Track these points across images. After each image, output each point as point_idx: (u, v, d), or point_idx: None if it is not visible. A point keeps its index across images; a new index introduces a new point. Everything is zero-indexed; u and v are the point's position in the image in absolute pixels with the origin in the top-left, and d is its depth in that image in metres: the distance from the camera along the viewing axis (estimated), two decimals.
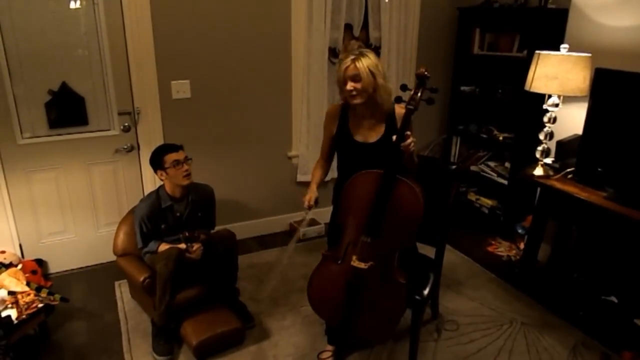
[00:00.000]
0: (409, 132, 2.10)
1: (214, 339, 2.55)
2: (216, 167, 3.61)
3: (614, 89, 2.69)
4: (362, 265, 2.15)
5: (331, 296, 2.25)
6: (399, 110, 2.31)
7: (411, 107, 2.10)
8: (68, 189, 3.25)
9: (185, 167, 2.68)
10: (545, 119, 3.03)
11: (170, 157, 2.65)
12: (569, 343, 2.72)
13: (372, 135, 2.31)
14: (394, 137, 2.10)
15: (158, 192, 2.76)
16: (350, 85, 2.17)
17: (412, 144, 2.11)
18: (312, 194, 2.35)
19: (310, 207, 2.33)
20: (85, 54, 3.08)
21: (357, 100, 2.20)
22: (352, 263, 2.16)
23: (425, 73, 2.12)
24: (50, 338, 2.70)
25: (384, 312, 2.21)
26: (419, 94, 2.11)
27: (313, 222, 3.96)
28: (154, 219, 2.70)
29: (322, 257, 2.35)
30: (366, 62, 2.14)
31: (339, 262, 2.23)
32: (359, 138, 2.32)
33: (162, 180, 2.74)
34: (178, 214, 2.76)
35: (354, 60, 2.14)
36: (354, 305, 2.21)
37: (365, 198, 2.14)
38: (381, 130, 2.30)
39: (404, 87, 2.21)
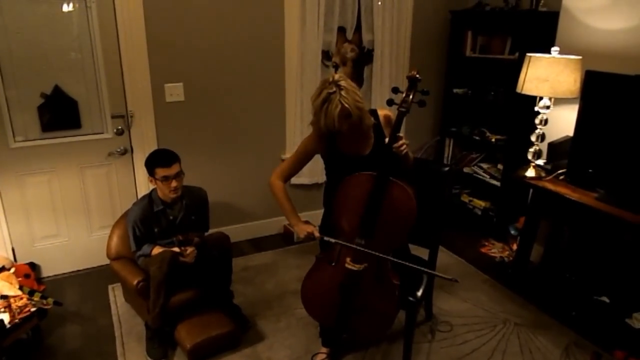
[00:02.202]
0: (400, 134, 2.10)
1: (208, 341, 2.55)
2: (210, 170, 3.61)
3: (604, 91, 2.72)
4: (357, 267, 2.15)
5: (325, 298, 2.26)
6: (384, 113, 2.32)
7: (403, 109, 2.11)
8: (61, 192, 3.24)
9: (174, 184, 2.64)
10: (537, 121, 3.06)
11: (161, 172, 2.62)
12: (562, 343, 2.74)
13: (363, 148, 2.31)
14: (387, 140, 2.11)
15: (151, 196, 2.75)
16: (345, 126, 2.12)
17: (405, 146, 2.12)
18: (309, 227, 2.27)
19: (317, 238, 2.25)
20: (78, 57, 3.07)
21: (356, 133, 2.20)
22: (346, 265, 2.16)
23: (417, 76, 2.13)
24: (43, 342, 2.69)
25: (378, 312, 2.21)
26: (411, 97, 2.13)
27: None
28: (146, 222, 2.70)
29: (316, 260, 2.35)
30: (350, 96, 2.06)
31: (333, 264, 2.23)
32: (350, 153, 2.32)
33: (152, 185, 2.74)
34: (171, 217, 2.75)
35: (340, 100, 2.04)
36: (349, 306, 2.22)
37: (358, 200, 2.15)
38: (371, 140, 2.31)
39: (395, 90, 2.21)
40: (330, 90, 2.07)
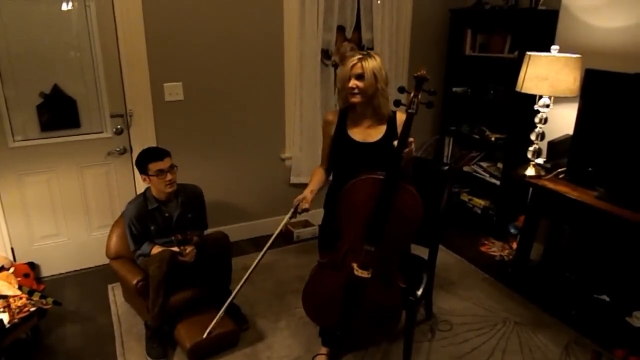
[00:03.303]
0: (411, 139, 2.06)
1: (208, 341, 2.54)
2: (209, 169, 3.61)
3: (604, 89, 2.72)
4: (366, 274, 2.11)
5: (329, 304, 2.23)
6: (401, 116, 2.24)
7: (412, 111, 2.05)
8: (60, 191, 3.23)
9: (169, 176, 2.66)
10: (537, 120, 3.06)
11: (155, 166, 2.63)
12: (562, 341, 2.74)
13: (371, 135, 2.29)
14: (396, 143, 2.05)
15: (145, 194, 2.75)
16: (352, 83, 2.18)
17: (413, 150, 2.11)
18: (305, 200, 2.31)
19: (299, 212, 2.33)
20: (77, 56, 3.06)
21: (357, 99, 2.21)
22: (355, 272, 2.12)
23: (425, 75, 2.08)
24: (42, 342, 2.69)
25: (383, 315, 2.20)
26: (419, 97, 2.07)
27: (307, 224, 3.97)
28: (142, 220, 2.69)
29: (319, 265, 2.30)
30: (372, 64, 2.16)
31: (338, 269, 2.19)
32: (357, 137, 2.30)
33: (145, 183, 2.73)
34: (167, 215, 2.75)
35: (360, 60, 2.16)
36: (353, 311, 2.20)
37: (365, 205, 2.09)
38: (381, 131, 2.28)
39: (401, 90, 2.15)
40: (362, 52, 2.21)
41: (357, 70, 2.16)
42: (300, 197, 2.32)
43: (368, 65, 2.15)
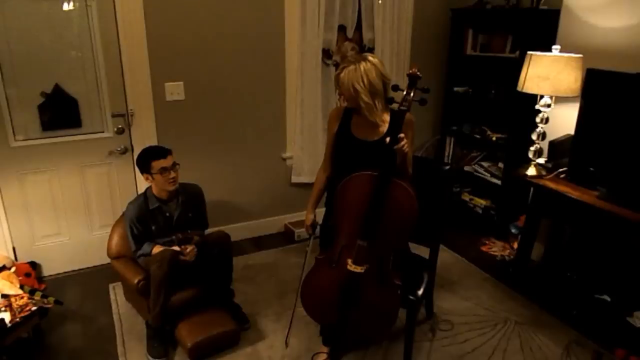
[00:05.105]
0: (402, 135, 2.07)
1: (209, 340, 2.55)
2: (210, 169, 3.61)
3: (605, 89, 2.71)
4: (359, 269, 2.12)
5: (326, 300, 2.24)
6: (409, 117, 2.23)
7: (404, 108, 2.09)
8: (62, 191, 3.24)
9: (172, 174, 2.66)
10: (538, 119, 3.06)
11: (158, 164, 2.63)
12: (563, 341, 2.74)
13: (372, 134, 2.29)
14: (387, 139, 2.08)
15: (145, 194, 2.75)
16: (338, 90, 2.25)
17: (405, 146, 2.09)
18: (307, 221, 2.53)
19: (310, 235, 2.54)
20: (79, 56, 3.07)
21: (346, 103, 2.29)
22: (348, 267, 2.14)
23: (417, 73, 2.11)
24: (44, 341, 2.69)
25: (380, 313, 2.20)
26: (411, 95, 2.11)
27: None
28: (143, 220, 2.70)
29: (316, 261, 2.33)
30: (350, 76, 2.13)
31: (333, 265, 2.21)
32: (359, 135, 2.30)
33: (148, 182, 2.74)
34: (167, 214, 2.75)
35: (344, 68, 2.16)
36: (350, 307, 2.20)
37: (359, 201, 2.12)
38: (384, 130, 2.28)
39: (395, 88, 2.20)
40: (357, 61, 2.14)
41: (338, 79, 2.19)
42: (305, 222, 2.57)
43: (347, 75, 2.14)
